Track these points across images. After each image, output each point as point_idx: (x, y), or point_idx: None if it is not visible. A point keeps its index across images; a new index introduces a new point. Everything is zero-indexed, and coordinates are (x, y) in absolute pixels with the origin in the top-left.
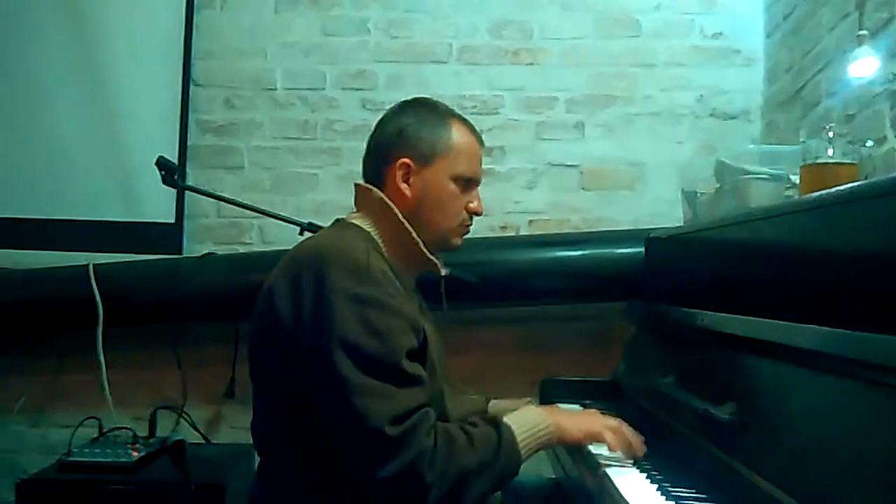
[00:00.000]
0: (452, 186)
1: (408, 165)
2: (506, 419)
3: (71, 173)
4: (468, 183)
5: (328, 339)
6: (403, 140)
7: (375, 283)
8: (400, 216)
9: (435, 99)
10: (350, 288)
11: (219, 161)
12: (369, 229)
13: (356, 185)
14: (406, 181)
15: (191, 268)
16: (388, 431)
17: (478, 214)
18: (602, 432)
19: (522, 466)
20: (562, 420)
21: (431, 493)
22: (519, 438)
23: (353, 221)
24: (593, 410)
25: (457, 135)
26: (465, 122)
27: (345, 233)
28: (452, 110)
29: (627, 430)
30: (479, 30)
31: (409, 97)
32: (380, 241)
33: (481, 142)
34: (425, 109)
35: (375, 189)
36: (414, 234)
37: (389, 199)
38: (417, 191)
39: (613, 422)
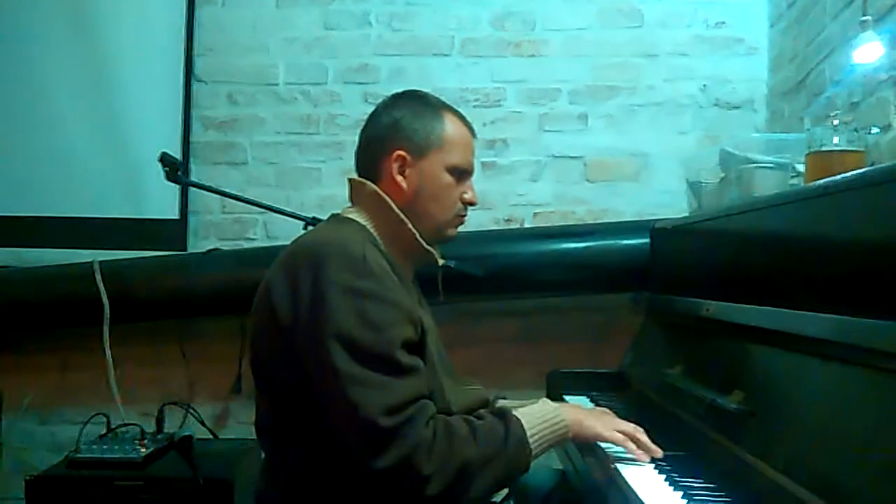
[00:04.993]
0: (448, 177)
1: (403, 157)
2: (516, 412)
3: (75, 171)
4: (462, 174)
5: (323, 331)
6: (398, 132)
7: (372, 275)
8: (395, 208)
9: (425, 91)
10: (346, 281)
11: (222, 157)
12: (365, 223)
13: (350, 180)
14: (402, 173)
15: (196, 264)
16: (382, 422)
17: (472, 204)
18: (616, 437)
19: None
20: (578, 417)
21: (430, 485)
22: (529, 432)
23: (349, 216)
24: (605, 409)
25: (450, 126)
26: (457, 113)
27: (341, 227)
28: (444, 102)
29: (642, 435)
30: (481, 22)
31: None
32: (376, 234)
33: (473, 133)
34: (418, 102)
35: (369, 183)
36: (410, 226)
37: (385, 191)
38: (413, 183)
39: (629, 426)
